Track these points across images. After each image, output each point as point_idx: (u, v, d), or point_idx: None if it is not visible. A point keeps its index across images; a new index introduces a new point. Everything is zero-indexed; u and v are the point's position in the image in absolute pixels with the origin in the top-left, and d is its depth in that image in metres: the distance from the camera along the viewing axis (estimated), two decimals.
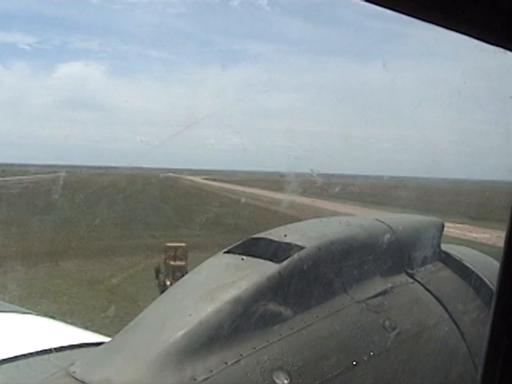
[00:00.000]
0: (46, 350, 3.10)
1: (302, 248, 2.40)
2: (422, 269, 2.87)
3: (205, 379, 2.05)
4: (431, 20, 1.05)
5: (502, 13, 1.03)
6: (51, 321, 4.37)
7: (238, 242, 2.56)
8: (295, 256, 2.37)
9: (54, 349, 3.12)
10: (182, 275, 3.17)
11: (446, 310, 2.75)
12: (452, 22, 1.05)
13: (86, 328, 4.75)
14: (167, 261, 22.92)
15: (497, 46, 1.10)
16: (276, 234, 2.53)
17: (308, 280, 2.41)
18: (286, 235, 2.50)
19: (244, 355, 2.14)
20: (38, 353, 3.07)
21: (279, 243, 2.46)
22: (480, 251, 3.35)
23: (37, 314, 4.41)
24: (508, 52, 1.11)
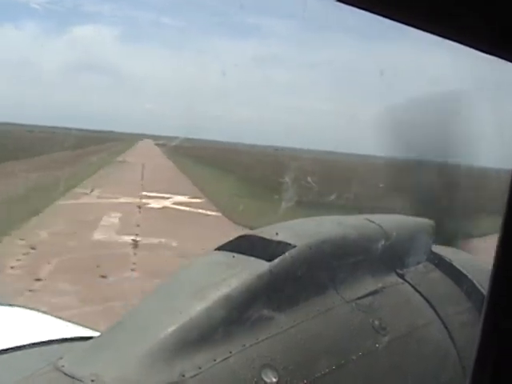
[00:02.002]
0: (33, 344, 3.08)
1: (293, 247, 2.40)
2: (413, 270, 2.88)
3: (193, 376, 2.05)
4: (423, 27, 1.05)
5: (495, 20, 1.03)
6: (38, 314, 4.35)
7: (229, 240, 2.56)
8: (286, 254, 2.37)
9: (42, 343, 3.10)
10: None
11: (436, 311, 2.76)
12: (444, 29, 1.05)
13: None
14: None
15: (489, 53, 1.11)
16: (267, 232, 2.54)
17: (298, 279, 2.41)
18: (277, 233, 2.50)
19: (233, 352, 2.14)
20: (24, 347, 3.05)
21: (270, 241, 2.46)
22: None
23: (23, 307, 4.38)
24: (500, 60, 1.11)
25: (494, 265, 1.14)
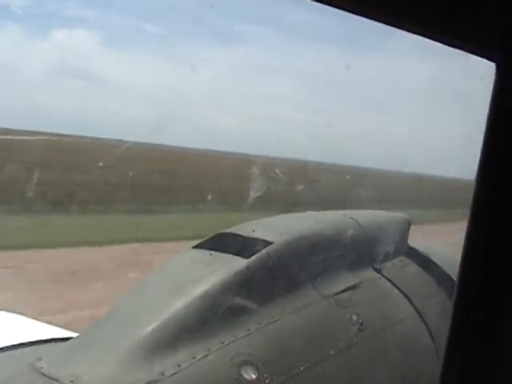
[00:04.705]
0: (12, 346, 3.06)
1: (270, 243, 2.42)
2: (389, 264, 2.92)
3: (173, 374, 2.05)
4: (395, 24, 1.07)
5: (464, 15, 1.05)
6: (17, 316, 4.31)
7: (207, 238, 2.56)
8: (263, 251, 2.38)
9: (21, 344, 3.08)
10: None
11: (413, 304, 2.80)
12: (414, 25, 1.07)
13: None
14: None
15: (458, 48, 1.13)
16: (244, 230, 2.55)
17: (276, 275, 2.43)
18: (254, 230, 2.52)
19: (212, 350, 2.14)
20: (3, 349, 3.03)
21: (247, 238, 2.47)
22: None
23: (2, 310, 4.34)
24: (469, 55, 1.14)
25: (462, 257, 1.17)
